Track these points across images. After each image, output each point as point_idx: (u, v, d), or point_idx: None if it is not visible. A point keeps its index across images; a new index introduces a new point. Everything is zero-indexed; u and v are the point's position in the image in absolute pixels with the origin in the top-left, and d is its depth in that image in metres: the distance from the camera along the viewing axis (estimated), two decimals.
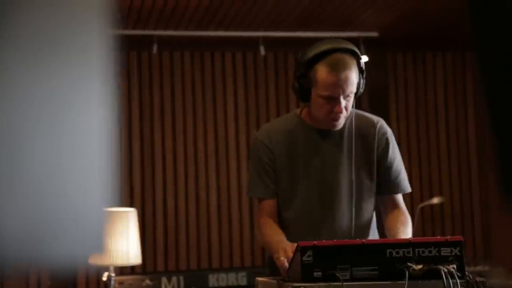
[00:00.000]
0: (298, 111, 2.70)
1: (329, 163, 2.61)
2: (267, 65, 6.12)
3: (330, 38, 2.62)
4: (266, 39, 5.79)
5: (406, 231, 2.56)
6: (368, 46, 5.84)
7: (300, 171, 2.62)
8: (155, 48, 5.63)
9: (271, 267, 2.69)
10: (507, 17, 0.48)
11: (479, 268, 5.17)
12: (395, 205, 2.66)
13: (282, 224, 2.65)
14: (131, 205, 5.50)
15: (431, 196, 5.90)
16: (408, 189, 2.70)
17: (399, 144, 6.13)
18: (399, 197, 2.69)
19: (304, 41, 5.94)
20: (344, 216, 2.62)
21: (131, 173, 5.78)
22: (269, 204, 2.65)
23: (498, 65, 0.49)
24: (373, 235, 2.71)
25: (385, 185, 2.65)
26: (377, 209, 2.74)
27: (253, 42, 5.80)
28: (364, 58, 6.21)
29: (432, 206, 5.93)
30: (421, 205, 5.66)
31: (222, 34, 5.72)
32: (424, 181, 6.15)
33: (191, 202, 5.85)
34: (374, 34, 5.86)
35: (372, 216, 2.69)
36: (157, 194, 5.81)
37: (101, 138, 0.60)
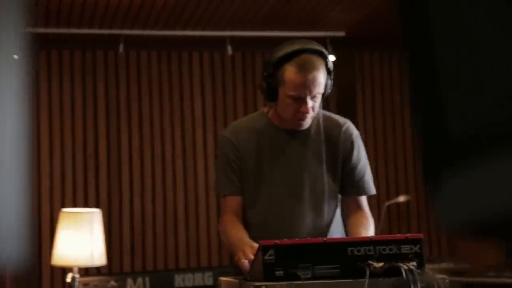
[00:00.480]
0: (265, 110, 2.71)
1: (295, 163, 2.63)
2: (234, 65, 6.11)
3: (298, 38, 2.64)
4: (233, 39, 5.79)
5: (368, 234, 2.57)
6: (335, 45, 5.86)
7: (266, 170, 2.63)
8: (121, 48, 5.60)
9: (235, 267, 2.69)
10: (431, 20, 0.48)
11: (444, 265, 5.22)
12: (358, 207, 2.67)
13: (246, 222, 2.66)
14: (97, 206, 5.46)
15: (398, 195, 5.94)
16: (371, 191, 2.70)
17: (365, 142, 6.15)
18: (363, 199, 2.69)
19: (271, 40, 5.94)
20: (308, 215, 2.63)
21: (97, 173, 5.74)
22: (235, 201, 2.65)
23: (421, 66, 0.50)
24: (339, 234, 2.72)
25: (348, 187, 2.67)
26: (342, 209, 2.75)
27: (220, 42, 5.80)
28: (331, 58, 6.25)
29: (398, 204, 5.97)
30: (387, 203, 5.70)
31: (189, 34, 5.71)
32: (390, 180, 6.19)
33: (158, 202, 5.82)
34: (341, 33, 5.88)
35: (334, 216, 2.70)
36: (124, 194, 5.77)
37: (13, 138, 0.59)
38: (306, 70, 2.47)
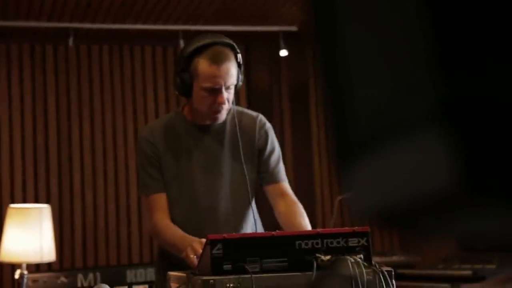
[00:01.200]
0: (179, 109, 2.75)
1: (212, 157, 2.69)
2: None
3: (209, 32, 2.71)
4: (186, 33, 5.76)
5: (306, 222, 2.63)
6: (288, 40, 5.89)
7: (184, 166, 2.67)
8: (71, 41, 5.52)
9: (160, 264, 2.70)
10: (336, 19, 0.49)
11: (395, 258, 5.29)
12: (283, 193, 2.73)
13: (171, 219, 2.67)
14: (47, 201, 5.38)
15: None
16: (285, 179, 2.78)
17: (318, 137, 6.16)
18: (286, 185, 2.76)
19: (224, 34, 5.92)
20: (228, 208, 2.67)
21: (48, 168, 5.66)
22: (161, 198, 2.67)
23: (327, 57, 0.51)
24: (259, 222, 2.78)
25: (266, 174, 2.74)
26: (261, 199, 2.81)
27: (173, 36, 5.76)
28: (284, 53, 6.27)
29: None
30: (339, 197, 5.74)
31: (141, 28, 5.66)
32: None
33: (110, 197, 5.77)
34: (293, 28, 5.90)
35: (252, 207, 2.75)
36: (75, 189, 5.70)
37: None
38: (219, 61, 2.52)
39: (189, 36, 5.77)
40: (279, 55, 5.92)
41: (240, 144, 2.67)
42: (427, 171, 0.40)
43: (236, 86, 2.61)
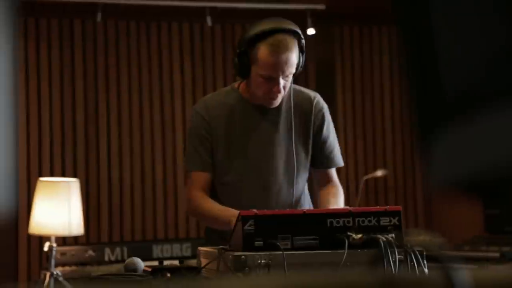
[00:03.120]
0: (236, 85, 2.72)
1: (267, 137, 2.65)
2: (214, 37, 6.07)
3: (273, 16, 2.63)
4: (213, 10, 5.74)
5: (337, 202, 2.62)
6: (315, 19, 5.85)
7: (237, 145, 2.64)
8: (99, 17, 5.53)
9: (208, 238, 2.71)
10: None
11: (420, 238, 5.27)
12: (329, 179, 2.73)
13: (217, 199, 2.66)
14: (74, 175, 5.43)
15: (375, 169, 5.97)
16: (341, 163, 2.77)
17: (344, 117, 6.14)
18: (333, 171, 2.75)
19: (251, 12, 5.90)
20: (280, 190, 2.65)
21: (75, 143, 5.70)
22: (202, 177, 2.65)
23: (415, 25, 0.50)
24: (307, 205, 2.76)
25: (319, 159, 2.71)
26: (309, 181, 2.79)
27: (200, 13, 5.75)
28: (311, 31, 6.23)
29: (376, 178, 6.01)
30: (365, 177, 5.73)
31: (168, 4, 5.65)
32: (368, 154, 6.22)
33: (136, 172, 5.80)
34: (321, 6, 5.86)
35: (304, 189, 2.74)
36: (102, 164, 5.74)
37: None
38: (279, 51, 2.47)
39: (216, 13, 5.77)
40: (306, 33, 5.89)
41: (294, 126, 2.63)
42: None
43: (296, 72, 2.56)
